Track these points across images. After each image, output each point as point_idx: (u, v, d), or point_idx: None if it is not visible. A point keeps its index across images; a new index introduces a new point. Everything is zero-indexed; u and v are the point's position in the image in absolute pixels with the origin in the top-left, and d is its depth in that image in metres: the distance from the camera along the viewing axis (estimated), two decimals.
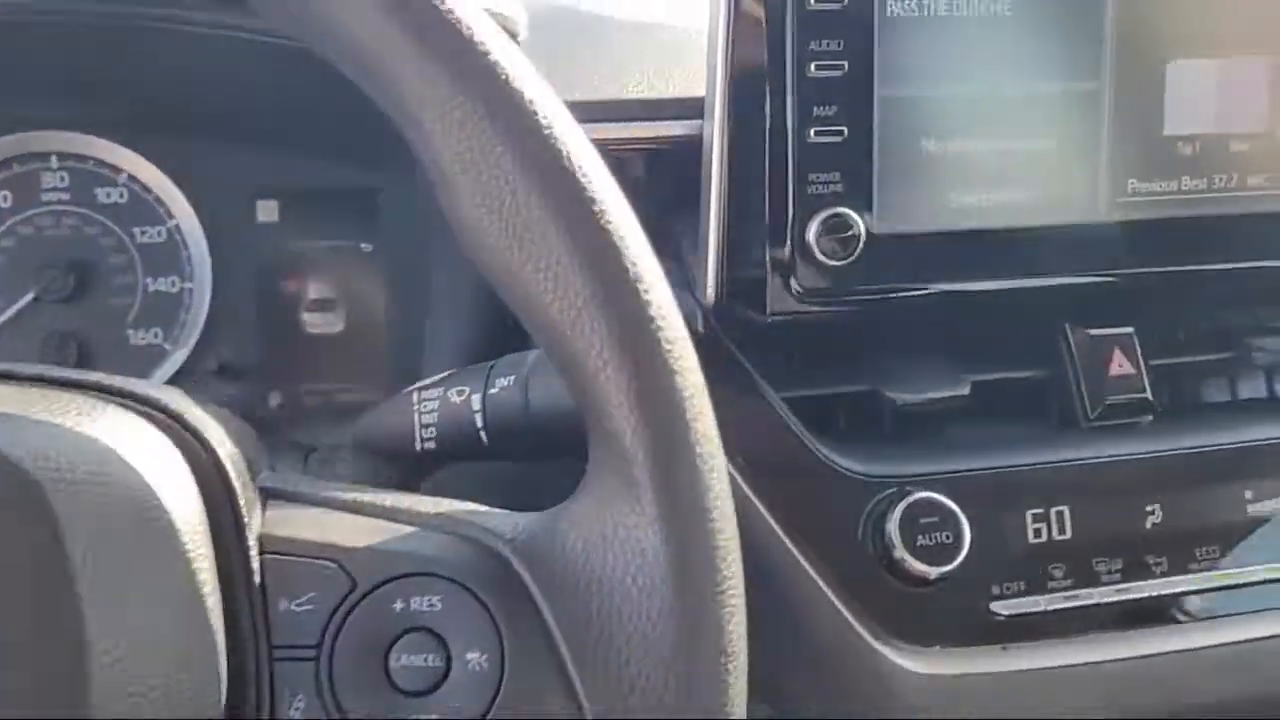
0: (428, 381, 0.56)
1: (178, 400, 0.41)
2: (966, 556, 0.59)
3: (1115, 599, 0.62)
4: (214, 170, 0.77)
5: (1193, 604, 0.63)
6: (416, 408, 0.55)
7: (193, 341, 0.77)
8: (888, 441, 0.64)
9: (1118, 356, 0.66)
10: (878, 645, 0.59)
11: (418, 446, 0.54)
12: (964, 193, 0.63)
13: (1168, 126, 0.65)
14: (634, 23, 0.77)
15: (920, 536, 0.59)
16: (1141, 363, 0.66)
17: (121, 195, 0.77)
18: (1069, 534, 0.62)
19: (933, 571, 0.59)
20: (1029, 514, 0.62)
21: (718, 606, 0.38)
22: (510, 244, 0.38)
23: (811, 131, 0.61)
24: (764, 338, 0.64)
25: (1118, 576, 0.62)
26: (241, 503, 0.39)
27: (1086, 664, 0.61)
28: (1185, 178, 0.65)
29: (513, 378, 0.53)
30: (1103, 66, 0.63)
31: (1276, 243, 0.67)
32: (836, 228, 0.61)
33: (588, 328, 0.37)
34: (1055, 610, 0.61)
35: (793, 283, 0.62)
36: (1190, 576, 0.63)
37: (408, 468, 0.57)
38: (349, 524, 0.40)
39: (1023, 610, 0.61)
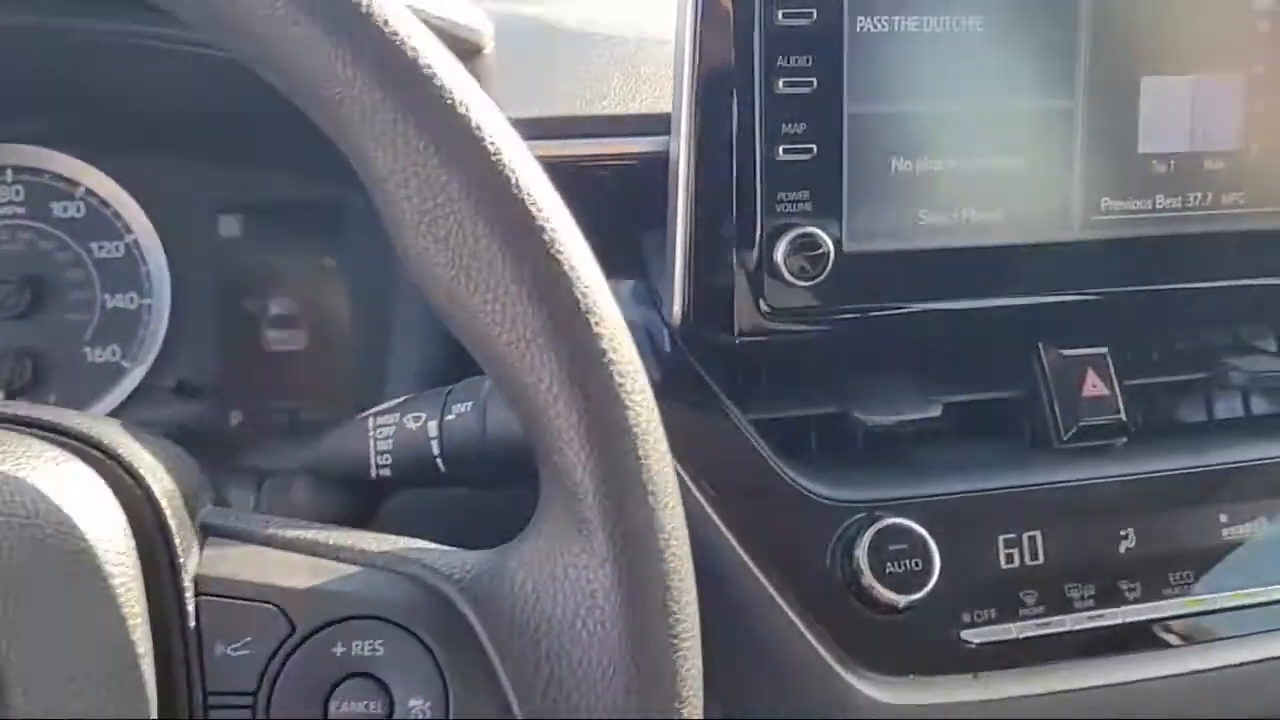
0: (383, 407, 0.54)
1: (113, 434, 0.39)
2: (936, 584, 0.58)
3: (1088, 626, 0.61)
4: (174, 184, 0.76)
5: (1166, 630, 0.62)
6: (372, 434, 0.53)
7: (151, 359, 0.76)
8: (857, 465, 0.63)
9: (1091, 377, 0.65)
10: (846, 675, 0.58)
11: (373, 474, 0.53)
12: (935, 211, 0.62)
13: (1142, 144, 0.64)
14: (602, 35, 0.76)
15: (889, 564, 0.58)
16: (1115, 383, 0.65)
17: (79, 209, 0.75)
18: (1041, 559, 0.61)
19: (902, 600, 0.58)
20: (1000, 539, 0.61)
21: (671, 651, 0.36)
22: (457, 274, 0.36)
23: (780, 149, 0.60)
24: (731, 358, 0.63)
25: (1091, 603, 0.61)
26: (177, 542, 0.38)
27: (1059, 692, 0.60)
28: (1159, 196, 0.65)
29: (470, 404, 0.52)
30: (1076, 83, 0.62)
31: (1251, 261, 0.67)
32: (805, 246, 0.60)
33: (537, 360, 0.36)
34: (1027, 638, 0.60)
35: (761, 302, 0.61)
36: (1164, 602, 0.62)
37: (363, 495, 0.56)
38: (290, 563, 0.39)
39: (994, 638, 0.60)
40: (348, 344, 0.78)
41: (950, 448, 0.64)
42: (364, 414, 0.55)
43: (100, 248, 0.76)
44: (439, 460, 0.52)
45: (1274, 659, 0.62)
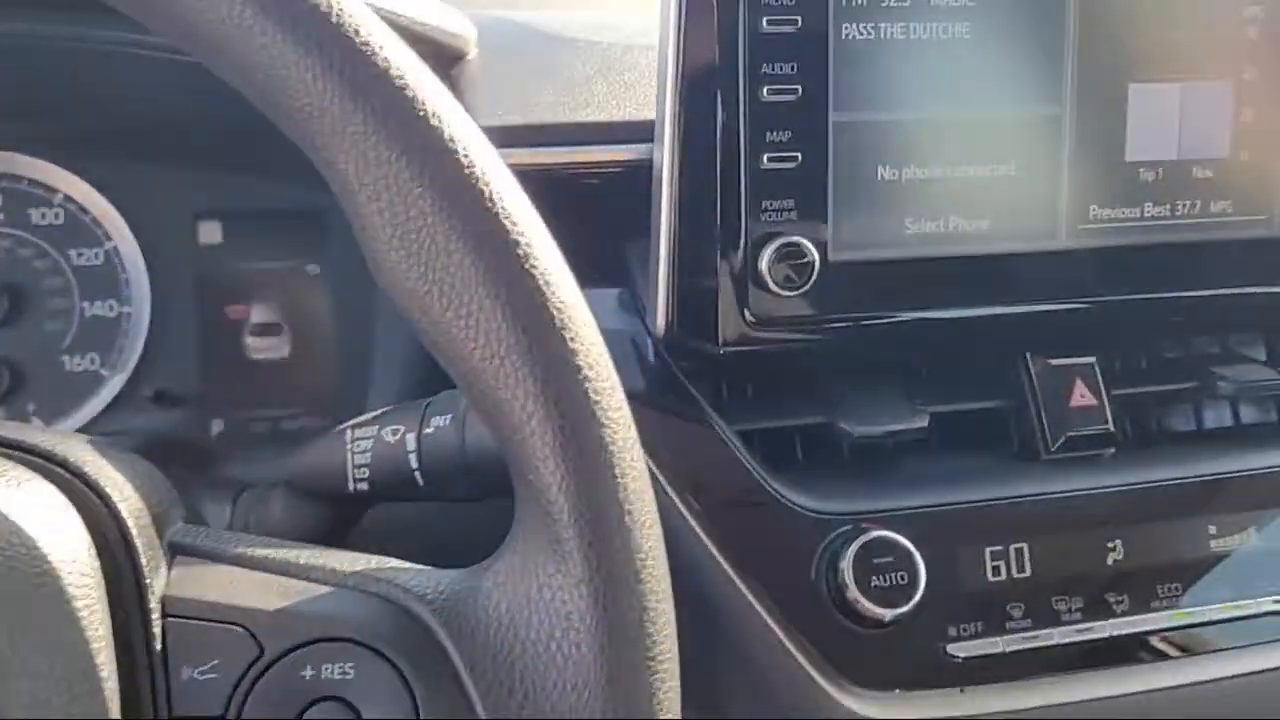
0: (361, 419, 0.53)
1: (78, 451, 0.38)
2: (922, 597, 0.57)
3: (1076, 639, 0.60)
4: (154, 191, 0.75)
5: (1154, 643, 0.61)
6: (350, 447, 0.53)
7: (131, 367, 0.75)
8: (843, 476, 0.62)
9: (1079, 387, 0.65)
10: (831, 689, 0.57)
11: (350, 487, 0.52)
12: (921, 220, 0.61)
13: (1129, 152, 0.63)
14: (586, 41, 0.75)
15: (875, 577, 0.57)
16: (1104, 393, 0.65)
17: (57, 216, 0.75)
18: (1028, 572, 0.60)
19: (887, 614, 0.57)
20: (987, 551, 0.60)
21: (648, 674, 0.36)
22: (429, 288, 0.36)
23: (765, 157, 0.59)
24: (716, 368, 0.62)
25: (1078, 616, 0.60)
26: (144, 562, 0.37)
27: (1046, 706, 0.59)
28: (1148, 204, 0.64)
29: (449, 416, 0.51)
30: (1064, 91, 0.62)
31: (1240, 269, 0.66)
32: (790, 255, 0.59)
33: (511, 377, 0.35)
34: (1014, 651, 0.59)
35: (745, 312, 0.60)
36: (1152, 615, 0.61)
37: (342, 508, 0.55)
38: (259, 583, 0.38)
39: (981, 652, 0.59)
40: (331, 352, 0.77)
41: (937, 459, 0.64)
42: (342, 426, 0.54)
43: (79, 255, 0.75)
44: (417, 474, 0.51)
45: (1263, 672, 0.62)
